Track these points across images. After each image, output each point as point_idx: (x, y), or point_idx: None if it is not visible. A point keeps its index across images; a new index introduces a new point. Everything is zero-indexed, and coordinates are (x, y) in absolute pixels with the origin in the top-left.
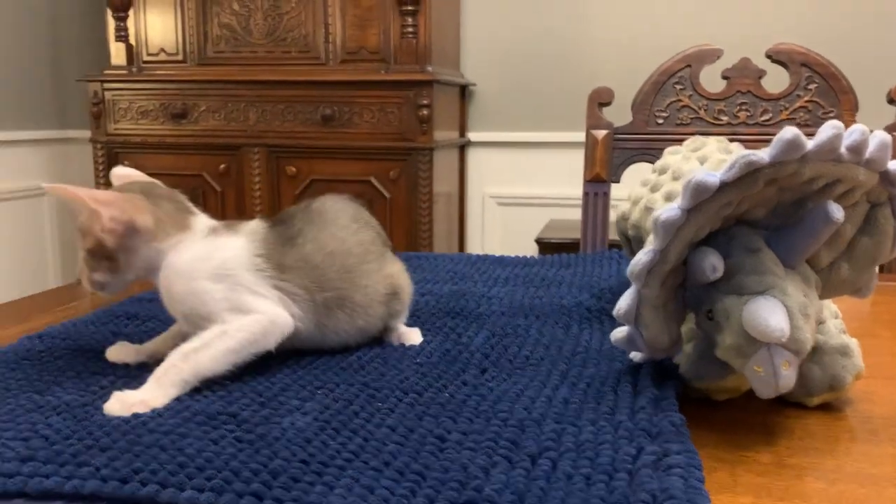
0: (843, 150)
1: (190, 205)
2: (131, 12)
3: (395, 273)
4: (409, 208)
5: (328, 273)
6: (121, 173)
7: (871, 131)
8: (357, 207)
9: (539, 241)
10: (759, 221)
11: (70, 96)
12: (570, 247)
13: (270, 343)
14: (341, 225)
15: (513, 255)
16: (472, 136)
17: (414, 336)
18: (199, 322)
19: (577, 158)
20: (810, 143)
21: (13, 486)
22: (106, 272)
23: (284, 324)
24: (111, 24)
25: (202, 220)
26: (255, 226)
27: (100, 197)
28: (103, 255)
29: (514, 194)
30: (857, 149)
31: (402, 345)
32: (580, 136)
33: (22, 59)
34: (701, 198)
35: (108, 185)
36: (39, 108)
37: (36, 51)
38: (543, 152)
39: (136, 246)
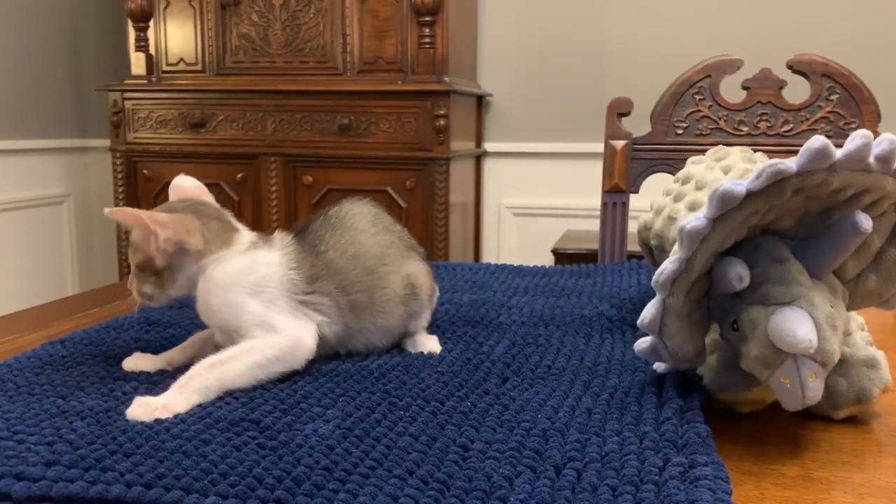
0: (871, 159)
1: (234, 221)
2: (151, 23)
3: (415, 273)
4: (425, 218)
5: (350, 276)
6: (179, 184)
7: None
8: (376, 211)
9: (555, 252)
10: (786, 231)
11: (90, 106)
12: (587, 258)
13: (295, 363)
14: (360, 228)
15: (530, 265)
16: (489, 146)
17: (431, 344)
18: (231, 334)
19: (593, 169)
20: (839, 153)
21: (38, 491)
22: (153, 286)
23: (310, 346)
24: (131, 34)
25: (244, 236)
26: (284, 238)
27: (157, 218)
28: (151, 271)
29: (530, 205)
30: (885, 158)
31: (421, 353)
32: (597, 147)
33: (43, 68)
34: (727, 207)
35: (127, 192)
36: (60, 118)
37: (57, 61)
38: (559, 163)
39: (183, 264)
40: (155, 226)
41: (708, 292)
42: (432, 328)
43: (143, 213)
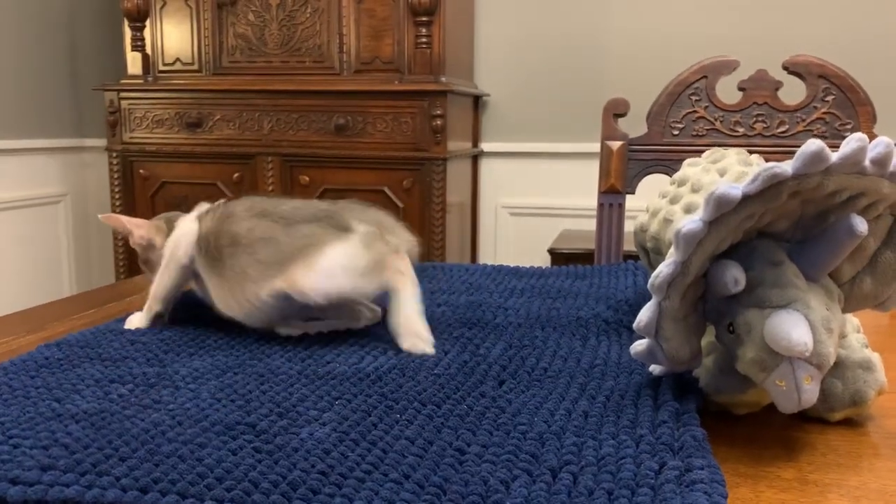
0: (867, 162)
1: (192, 212)
2: (148, 22)
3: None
4: (422, 218)
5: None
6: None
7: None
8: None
9: (552, 252)
10: (782, 234)
11: (87, 105)
12: (583, 257)
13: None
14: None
15: (526, 265)
16: (486, 146)
17: (416, 343)
18: None
19: (591, 169)
20: (834, 156)
21: (34, 495)
22: (150, 272)
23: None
24: (128, 33)
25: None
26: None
27: (136, 222)
28: (143, 261)
29: (527, 205)
30: (881, 161)
31: (418, 356)
32: (594, 147)
33: (40, 68)
34: (723, 210)
35: (123, 192)
36: (57, 117)
37: (54, 60)
38: (557, 163)
39: (153, 255)
40: (131, 227)
41: (704, 295)
42: (430, 329)
43: (124, 219)
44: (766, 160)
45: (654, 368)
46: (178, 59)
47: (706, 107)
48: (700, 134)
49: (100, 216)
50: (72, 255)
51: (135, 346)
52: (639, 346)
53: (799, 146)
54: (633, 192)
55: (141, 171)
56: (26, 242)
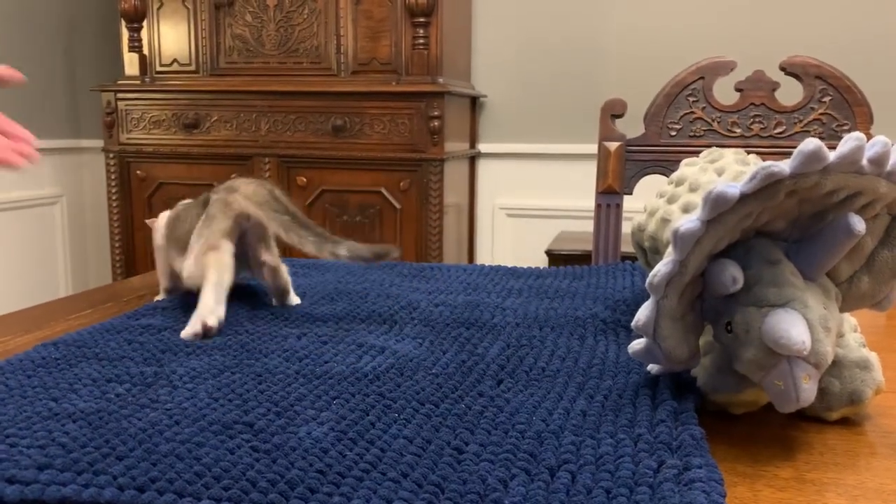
0: (864, 161)
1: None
2: (145, 23)
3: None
4: (419, 219)
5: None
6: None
7: (893, 143)
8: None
9: (549, 253)
10: (779, 233)
11: (84, 106)
12: (581, 258)
13: None
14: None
15: (524, 266)
16: (483, 147)
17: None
18: None
19: (588, 170)
20: (832, 155)
21: (31, 494)
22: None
23: None
24: (125, 34)
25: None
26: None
27: (157, 223)
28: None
29: (525, 206)
30: (878, 161)
31: (416, 356)
32: (591, 148)
33: (37, 69)
34: (721, 209)
35: (120, 193)
36: (54, 118)
37: (51, 61)
38: (554, 164)
39: None
40: (154, 225)
41: (702, 294)
42: (426, 330)
43: (150, 221)
44: (764, 161)
45: (652, 367)
46: (175, 60)
47: (703, 108)
48: (697, 135)
49: (146, 221)
50: (68, 256)
51: (132, 345)
52: (637, 345)
53: (796, 147)
54: (630, 193)
55: (138, 172)
56: (23, 243)
